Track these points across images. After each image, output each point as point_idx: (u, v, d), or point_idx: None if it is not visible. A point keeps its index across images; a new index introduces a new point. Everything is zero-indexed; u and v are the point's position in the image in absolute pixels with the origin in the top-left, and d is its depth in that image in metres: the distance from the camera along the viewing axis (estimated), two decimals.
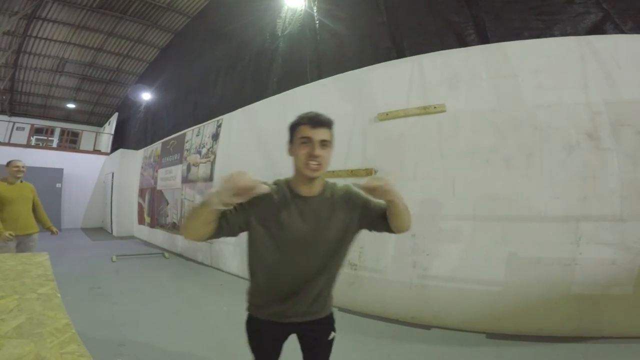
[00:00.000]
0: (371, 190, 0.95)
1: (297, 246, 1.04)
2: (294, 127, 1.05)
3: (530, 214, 2.51)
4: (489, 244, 2.61)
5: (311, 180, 1.03)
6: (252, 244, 1.07)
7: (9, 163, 3.20)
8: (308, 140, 0.99)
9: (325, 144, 1.01)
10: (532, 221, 2.50)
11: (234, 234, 1.02)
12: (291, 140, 1.05)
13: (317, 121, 1.00)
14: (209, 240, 1.00)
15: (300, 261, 1.05)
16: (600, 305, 2.33)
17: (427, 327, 2.71)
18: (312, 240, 1.05)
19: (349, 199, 1.10)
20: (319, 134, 1.00)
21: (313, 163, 0.98)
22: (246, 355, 1.13)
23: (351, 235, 1.11)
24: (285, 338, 1.14)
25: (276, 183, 1.08)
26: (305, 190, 1.06)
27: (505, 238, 2.57)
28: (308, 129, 1.00)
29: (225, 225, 0.98)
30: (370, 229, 1.14)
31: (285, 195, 1.05)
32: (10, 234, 2.88)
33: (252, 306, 1.12)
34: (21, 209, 3.15)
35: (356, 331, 2.64)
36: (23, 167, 3.21)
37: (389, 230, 1.10)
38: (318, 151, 0.99)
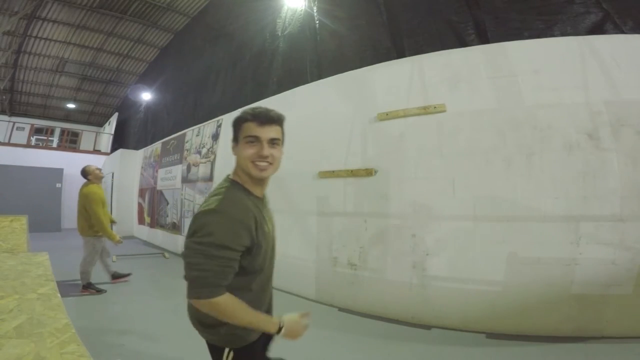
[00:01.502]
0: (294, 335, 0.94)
1: (272, 251, 1.03)
2: (237, 124, 0.92)
3: (530, 214, 2.51)
4: (489, 244, 2.60)
5: (262, 180, 0.95)
6: (250, 262, 0.91)
7: (88, 169, 3.29)
8: (255, 140, 0.89)
9: (275, 142, 0.91)
10: (532, 221, 2.50)
11: None
12: (235, 139, 0.94)
13: (265, 118, 0.89)
14: None
15: (273, 266, 1.05)
16: (600, 305, 2.32)
17: (427, 327, 2.71)
18: (274, 243, 1.05)
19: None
20: (268, 132, 0.89)
21: (261, 163, 0.89)
22: None
23: None
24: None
25: (229, 188, 0.92)
26: (259, 192, 0.98)
27: (505, 238, 2.56)
28: (254, 127, 0.89)
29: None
30: None
31: (251, 201, 0.93)
32: (120, 239, 3.05)
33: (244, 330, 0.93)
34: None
35: (356, 331, 2.64)
36: None
37: None
38: (267, 151, 0.88)
